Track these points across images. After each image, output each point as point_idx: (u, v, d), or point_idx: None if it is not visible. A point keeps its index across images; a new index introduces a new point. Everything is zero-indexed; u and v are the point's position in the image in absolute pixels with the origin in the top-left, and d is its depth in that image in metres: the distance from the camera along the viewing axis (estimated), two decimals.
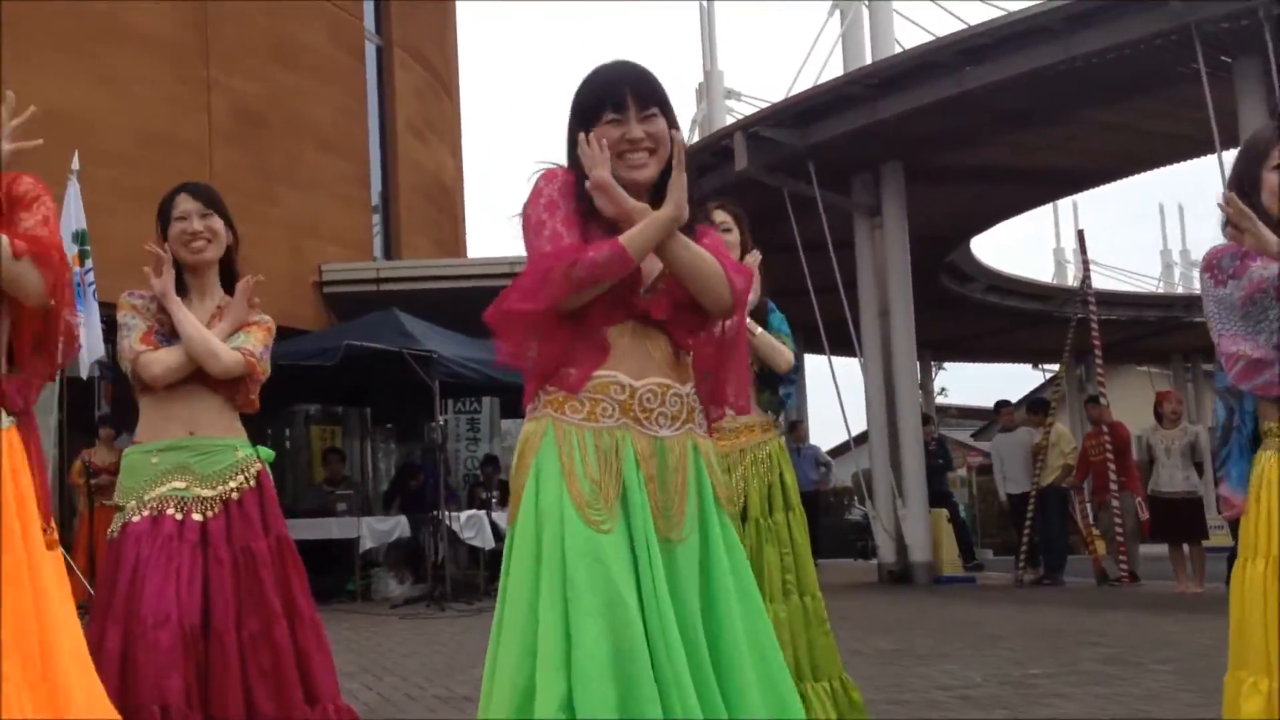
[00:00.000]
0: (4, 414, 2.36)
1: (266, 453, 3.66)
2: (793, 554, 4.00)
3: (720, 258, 2.48)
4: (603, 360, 2.43)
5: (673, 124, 2.51)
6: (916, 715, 5.10)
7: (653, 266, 2.46)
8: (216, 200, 3.65)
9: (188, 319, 3.50)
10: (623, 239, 2.37)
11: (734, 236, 4.00)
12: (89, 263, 8.95)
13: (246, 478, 3.51)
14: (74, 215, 8.98)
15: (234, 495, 3.47)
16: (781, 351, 4.07)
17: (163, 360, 3.46)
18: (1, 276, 2.33)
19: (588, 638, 2.25)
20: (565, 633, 2.27)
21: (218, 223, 3.60)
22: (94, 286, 8.95)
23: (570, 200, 2.45)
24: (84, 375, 9.32)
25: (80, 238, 8.94)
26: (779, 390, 4.22)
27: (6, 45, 11.50)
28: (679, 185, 2.41)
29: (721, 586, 2.41)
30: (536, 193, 2.48)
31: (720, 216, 4.02)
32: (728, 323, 2.54)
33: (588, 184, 2.41)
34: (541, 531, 2.35)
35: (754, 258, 4.03)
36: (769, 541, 3.98)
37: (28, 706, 2.18)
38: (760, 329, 4.06)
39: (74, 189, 9.09)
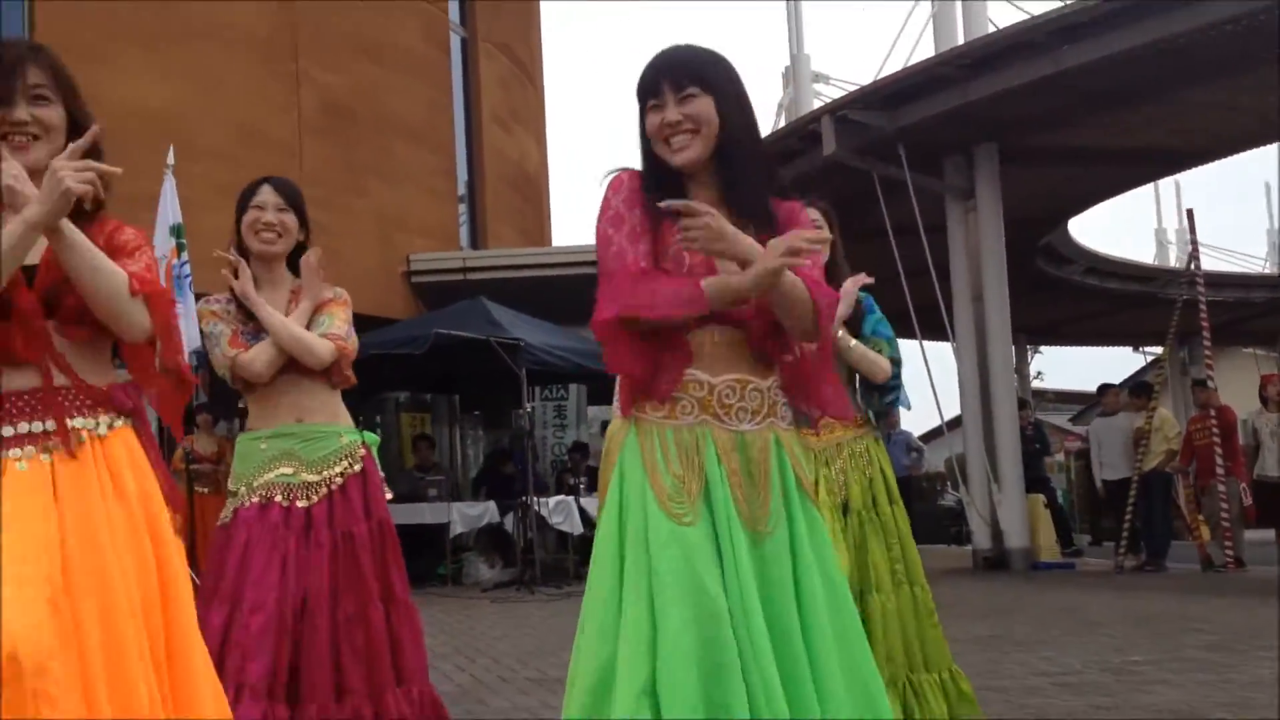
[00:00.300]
0: (116, 416, 2.41)
1: (371, 437, 3.73)
2: (900, 545, 3.98)
3: (809, 283, 2.42)
4: (688, 364, 2.42)
5: (726, 100, 2.46)
6: (1015, 702, 5.00)
7: (727, 265, 2.42)
8: (296, 197, 3.71)
9: (273, 316, 3.54)
10: (707, 286, 2.35)
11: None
12: (185, 255, 9.14)
13: (351, 463, 3.57)
14: (170, 209, 9.18)
15: (338, 480, 3.54)
16: (877, 362, 4.02)
17: (258, 357, 3.52)
18: (104, 304, 2.37)
19: (672, 625, 2.26)
20: (650, 620, 2.28)
21: (291, 219, 3.66)
22: (190, 279, 9.13)
23: (637, 207, 2.46)
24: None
25: (177, 231, 9.13)
26: (884, 398, 4.16)
27: (105, 46, 11.77)
28: (781, 247, 2.33)
29: (807, 581, 2.39)
30: (604, 205, 2.49)
31: (809, 214, 3.97)
32: (808, 346, 2.51)
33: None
34: (625, 525, 2.38)
35: (854, 283, 3.94)
36: (874, 533, 3.97)
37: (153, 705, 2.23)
38: (854, 342, 4.00)
39: (170, 184, 9.28)
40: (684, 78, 2.46)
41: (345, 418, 3.66)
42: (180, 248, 9.01)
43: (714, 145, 2.47)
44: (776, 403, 2.48)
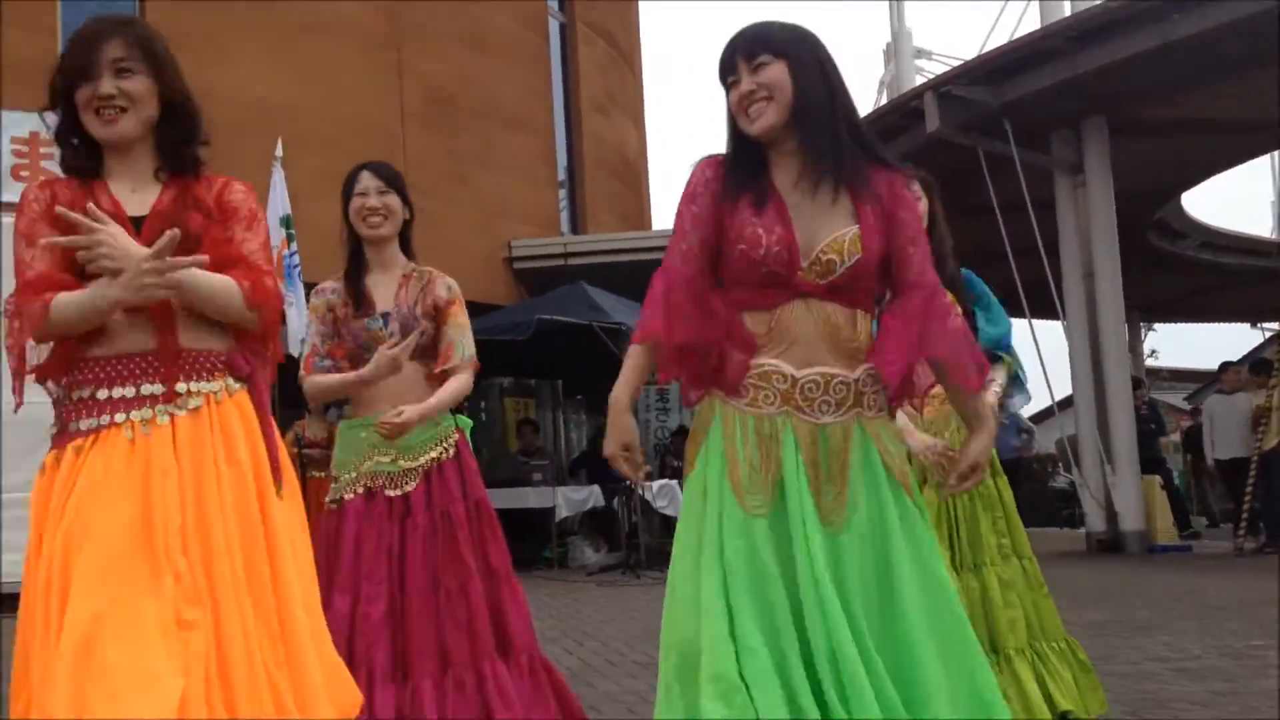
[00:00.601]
0: (234, 380, 2.48)
1: (465, 422, 3.80)
2: (1005, 518, 3.99)
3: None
4: (752, 351, 2.43)
5: (802, 66, 2.45)
6: (1132, 687, 4.89)
7: (812, 241, 2.41)
8: (396, 179, 3.78)
9: (423, 408, 3.61)
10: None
11: (923, 205, 3.94)
12: (294, 245, 9.32)
13: (445, 447, 3.67)
14: (280, 200, 9.37)
15: (434, 465, 3.64)
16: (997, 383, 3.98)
17: (314, 393, 3.79)
18: (220, 315, 2.46)
19: (744, 613, 2.30)
20: (726, 606, 2.32)
21: (395, 200, 3.73)
22: (299, 268, 9.31)
23: (710, 194, 2.48)
24: (293, 352, 9.70)
25: (286, 222, 9.32)
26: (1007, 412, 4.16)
27: (214, 40, 12.03)
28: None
29: (902, 579, 2.36)
30: (686, 186, 2.54)
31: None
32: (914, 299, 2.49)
33: None
34: (707, 505, 2.42)
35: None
36: (983, 507, 3.97)
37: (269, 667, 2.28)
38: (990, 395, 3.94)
39: (279, 175, 9.48)
40: (756, 47, 2.47)
41: None
42: (290, 238, 9.20)
43: (789, 112, 2.45)
44: (864, 393, 2.44)
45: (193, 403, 2.39)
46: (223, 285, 2.41)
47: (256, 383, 2.52)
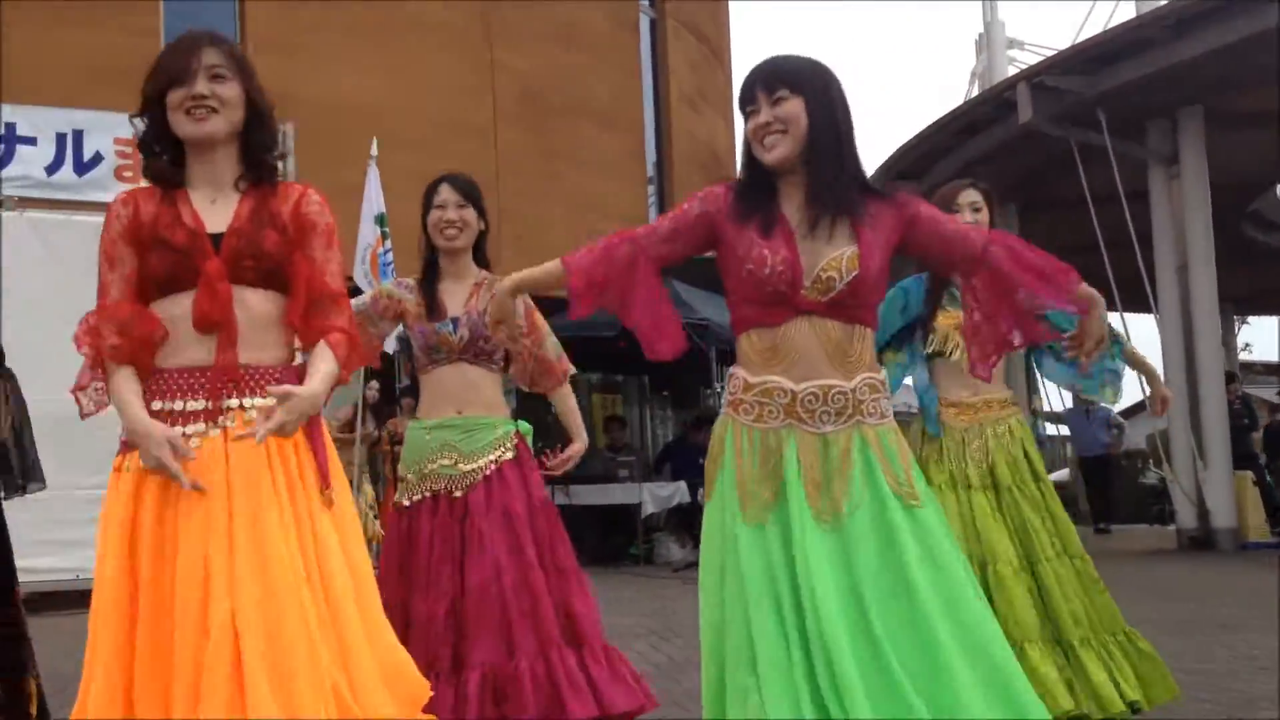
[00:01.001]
0: None
1: (525, 427, 3.99)
2: (1053, 521, 4.06)
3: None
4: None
5: (816, 103, 2.60)
6: (1218, 686, 4.88)
7: (814, 262, 2.57)
8: (473, 192, 3.96)
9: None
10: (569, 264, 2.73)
11: (984, 215, 4.06)
12: (388, 243, 9.53)
13: (504, 451, 3.83)
14: (375, 199, 9.57)
15: (494, 467, 3.81)
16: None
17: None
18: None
19: (758, 620, 2.48)
20: (744, 612, 2.51)
21: (471, 214, 3.91)
22: (392, 265, 9.52)
23: (715, 209, 2.67)
24: (389, 350, 9.93)
25: (381, 220, 9.52)
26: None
27: (311, 41, 12.33)
28: None
29: (915, 581, 2.47)
30: (701, 192, 2.75)
31: (970, 196, 4.10)
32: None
33: None
34: (724, 519, 2.62)
35: None
36: (1031, 507, 4.05)
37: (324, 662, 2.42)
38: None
39: (374, 174, 9.67)
40: (775, 82, 2.63)
41: (502, 409, 3.90)
42: (384, 236, 9.40)
43: (803, 145, 2.61)
44: (863, 401, 2.60)
45: (247, 416, 2.53)
46: (327, 381, 2.58)
47: None
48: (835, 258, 2.56)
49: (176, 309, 2.55)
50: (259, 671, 2.30)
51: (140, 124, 2.66)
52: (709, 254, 2.80)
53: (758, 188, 2.66)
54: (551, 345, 4.02)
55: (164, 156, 2.64)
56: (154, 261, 2.56)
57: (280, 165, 2.71)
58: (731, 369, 2.76)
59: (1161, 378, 4.28)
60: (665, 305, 2.71)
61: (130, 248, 2.59)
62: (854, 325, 2.61)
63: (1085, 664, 3.84)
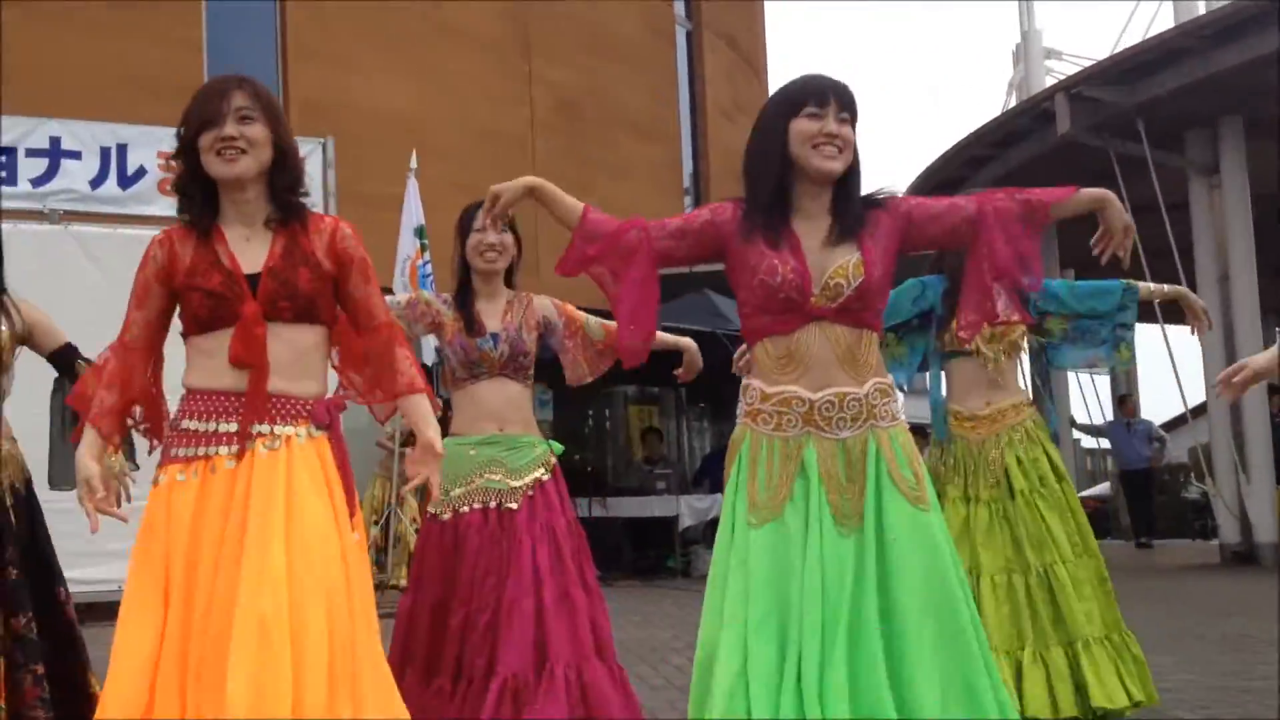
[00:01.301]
0: (315, 428, 2.74)
1: (558, 447, 4.10)
2: (1074, 519, 4.20)
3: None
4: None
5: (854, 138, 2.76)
6: (1263, 703, 4.81)
7: (822, 270, 2.69)
8: (510, 217, 3.97)
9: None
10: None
11: None
12: (427, 255, 9.58)
13: (546, 469, 3.95)
14: (414, 211, 9.63)
15: (537, 484, 3.92)
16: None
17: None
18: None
19: (756, 618, 2.60)
20: (743, 609, 2.62)
21: (509, 238, 4.03)
22: (431, 277, 9.56)
23: (724, 221, 2.82)
24: (427, 362, 9.98)
25: (419, 232, 9.58)
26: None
27: (350, 51, 12.41)
28: None
29: (902, 578, 2.59)
30: (713, 203, 2.91)
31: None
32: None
33: None
34: (736, 519, 2.73)
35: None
36: (1050, 508, 4.19)
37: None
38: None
39: (413, 186, 9.73)
40: (848, 102, 2.74)
41: (535, 427, 4.03)
42: (423, 248, 9.46)
43: (847, 167, 2.75)
44: (875, 405, 2.72)
45: (275, 444, 2.65)
46: (437, 429, 2.83)
47: (336, 431, 2.79)
48: (842, 265, 2.69)
49: (215, 343, 2.68)
50: (300, 670, 2.43)
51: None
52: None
53: (779, 187, 2.76)
54: (595, 325, 4.09)
55: (198, 198, 2.75)
56: (194, 304, 2.69)
57: (311, 179, 2.82)
58: (746, 379, 2.86)
59: (1190, 294, 4.40)
60: (651, 290, 2.86)
61: (162, 288, 2.74)
62: (861, 330, 2.74)
63: (1097, 659, 3.95)
